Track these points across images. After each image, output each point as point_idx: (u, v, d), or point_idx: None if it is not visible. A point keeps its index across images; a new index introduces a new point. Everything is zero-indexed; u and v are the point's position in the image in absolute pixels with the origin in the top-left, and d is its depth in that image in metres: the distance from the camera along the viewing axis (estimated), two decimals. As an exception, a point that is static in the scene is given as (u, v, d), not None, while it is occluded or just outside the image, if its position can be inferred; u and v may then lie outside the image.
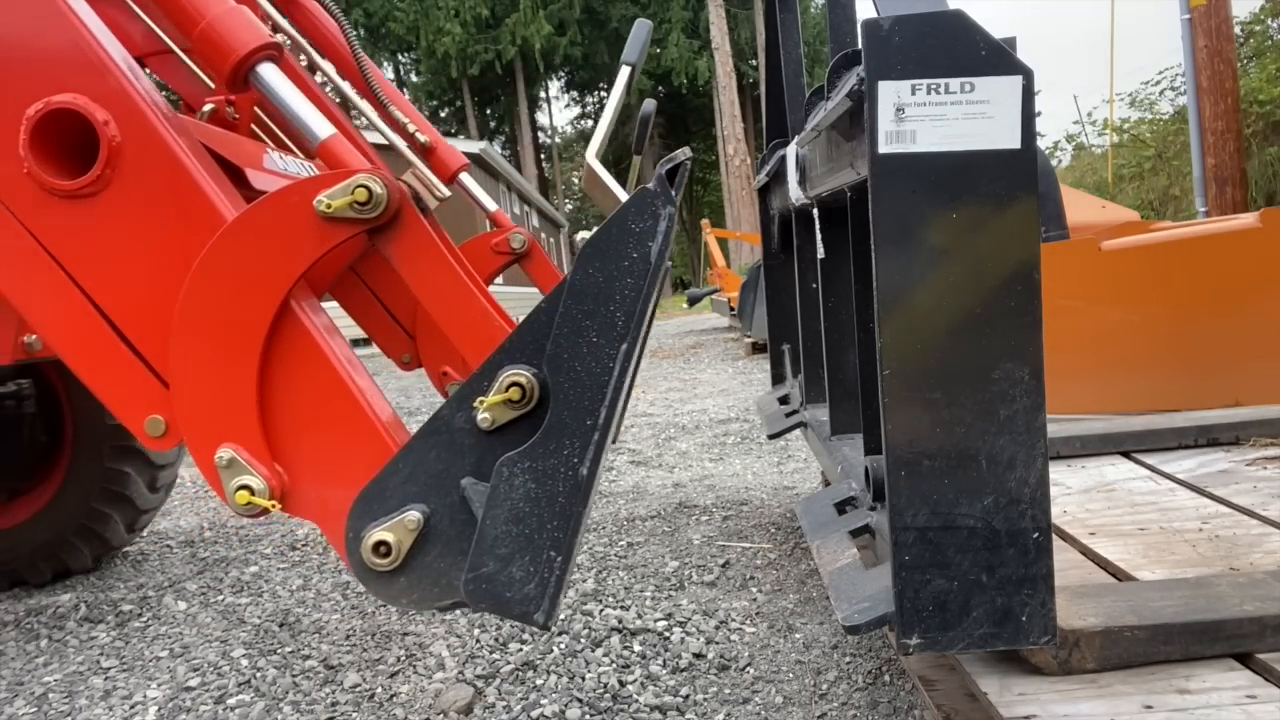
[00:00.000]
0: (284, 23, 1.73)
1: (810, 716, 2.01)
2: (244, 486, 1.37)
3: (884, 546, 1.58)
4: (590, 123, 42.93)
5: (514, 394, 1.29)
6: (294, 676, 2.42)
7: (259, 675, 2.44)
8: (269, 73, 1.49)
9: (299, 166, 2.20)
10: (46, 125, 1.41)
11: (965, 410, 1.27)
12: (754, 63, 31.63)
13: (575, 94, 41.85)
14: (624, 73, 2.02)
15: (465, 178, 2.90)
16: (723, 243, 19.63)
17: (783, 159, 2.63)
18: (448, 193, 1.74)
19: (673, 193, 1.25)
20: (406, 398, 8.84)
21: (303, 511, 1.44)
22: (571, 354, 1.26)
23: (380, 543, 1.32)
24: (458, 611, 2.77)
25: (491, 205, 2.95)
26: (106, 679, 2.53)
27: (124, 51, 1.46)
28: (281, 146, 2.59)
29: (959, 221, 1.25)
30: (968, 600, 1.30)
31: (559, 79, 40.32)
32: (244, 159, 2.01)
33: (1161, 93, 15.52)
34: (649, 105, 2.10)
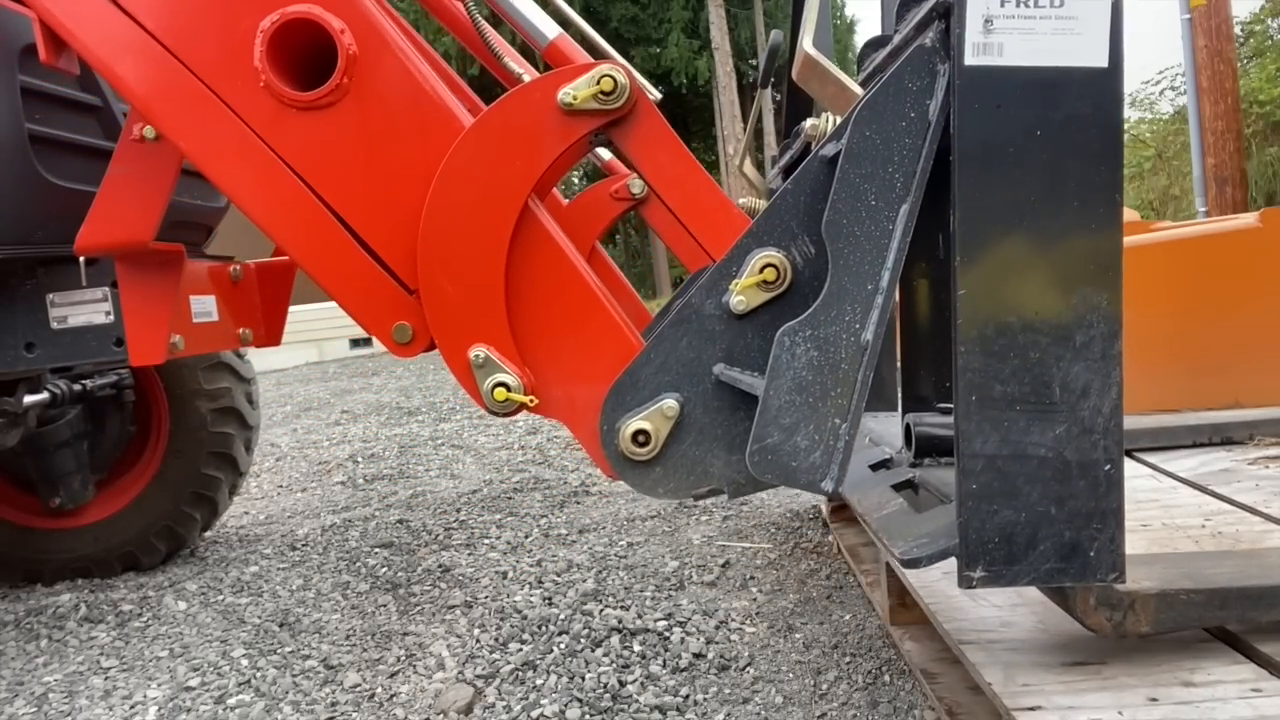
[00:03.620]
0: None
1: (810, 716, 2.00)
2: (500, 384, 1.38)
3: (930, 499, 1.54)
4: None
5: (769, 274, 1.29)
6: (294, 676, 2.41)
7: (259, 675, 2.43)
8: None
9: None
10: (281, 38, 1.39)
11: (1040, 334, 1.22)
12: (754, 62, 31.58)
13: (575, 95, 42.02)
14: None
15: None
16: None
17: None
18: (659, 94, 1.75)
19: (952, 50, 1.18)
20: (406, 397, 8.78)
21: (550, 410, 1.44)
22: (850, 219, 1.23)
23: (639, 431, 1.34)
24: (467, 607, 2.77)
25: (606, 154, 2.97)
26: (106, 679, 2.53)
27: None
28: None
29: (1043, 139, 1.20)
30: (1035, 533, 1.25)
31: (558, 80, 40.50)
32: None
33: (1161, 93, 15.56)
34: (776, 36, 2.06)
